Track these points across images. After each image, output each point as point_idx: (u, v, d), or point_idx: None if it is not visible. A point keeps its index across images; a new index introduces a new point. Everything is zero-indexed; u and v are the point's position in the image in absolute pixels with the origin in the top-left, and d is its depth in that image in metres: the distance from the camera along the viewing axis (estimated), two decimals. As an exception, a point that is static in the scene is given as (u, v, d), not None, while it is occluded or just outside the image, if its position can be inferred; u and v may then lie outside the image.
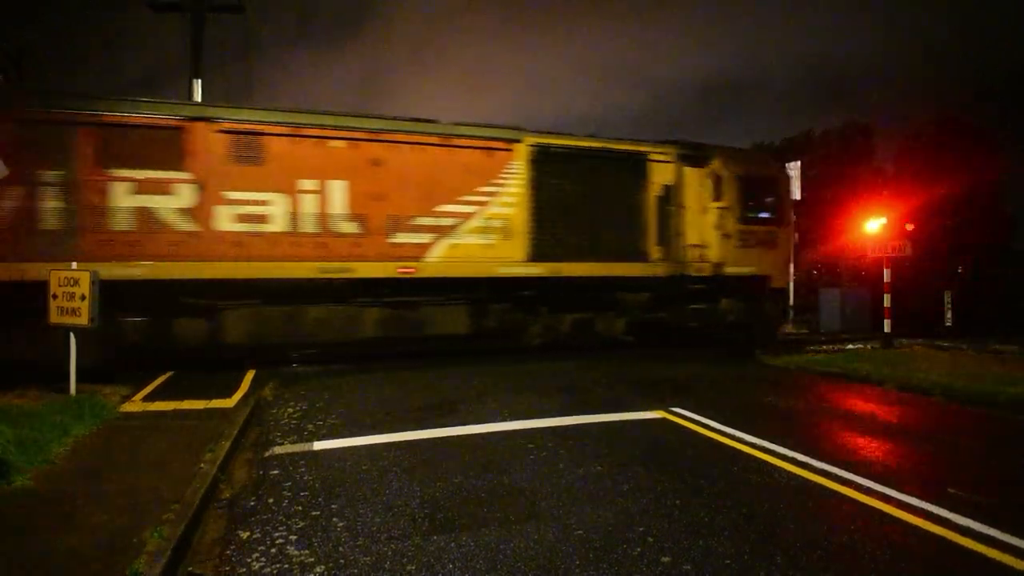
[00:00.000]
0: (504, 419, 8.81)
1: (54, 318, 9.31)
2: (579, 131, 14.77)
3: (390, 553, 4.81)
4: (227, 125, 12.66)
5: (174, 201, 12.19)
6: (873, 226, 17.66)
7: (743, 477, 6.56)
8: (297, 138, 13.14)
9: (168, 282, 12.04)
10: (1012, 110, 30.49)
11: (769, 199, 17.08)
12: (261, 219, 12.74)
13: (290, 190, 12.98)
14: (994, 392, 10.23)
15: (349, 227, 13.35)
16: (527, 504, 5.80)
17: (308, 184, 13.11)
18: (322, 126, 13.37)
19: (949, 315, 23.30)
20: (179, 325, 12.44)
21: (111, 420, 8.37)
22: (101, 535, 4.83)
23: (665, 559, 4.72)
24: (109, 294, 10.42)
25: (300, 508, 5.73)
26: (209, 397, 9.73)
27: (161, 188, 12.09)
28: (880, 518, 5.56)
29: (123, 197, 11.86)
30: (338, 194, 13.31)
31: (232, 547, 4.95)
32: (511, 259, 14.46)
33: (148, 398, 9.78)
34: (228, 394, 10.03)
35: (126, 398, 9.69)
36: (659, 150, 16.07)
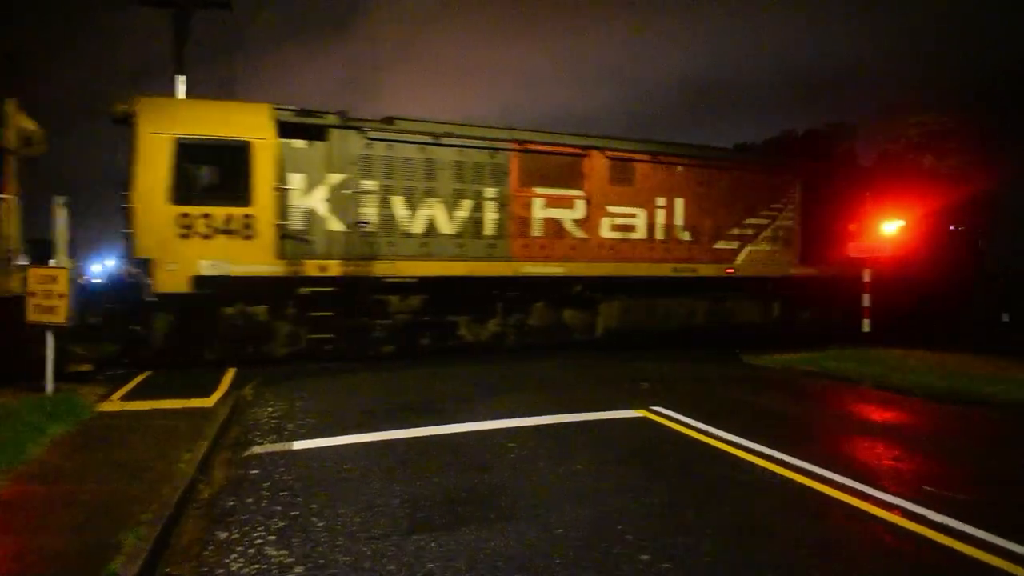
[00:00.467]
0: (485, 418, 8.80)
1: (31, 316, 9.22)
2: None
3: (370, 553, 4.79)
4: (610, 153, 16.16)
5: (572, 214, 15.76)
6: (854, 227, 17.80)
7: (723, 475, 6.59)
8: (654, 163, 16.71)
9: (568, 278, 15.63)
10: (993, 113, 30.79)
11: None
12: (629, 228, 16.37)
13: (648, 205, 16.61)
14: (970, 391, 10.35)
15: (685, 235, 17.01)
16: (507, 503, 5.80)
17: (660, 200, 16.77)
18: (670, 154, 16.98)
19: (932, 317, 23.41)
20: (567, 313, 15.99)
21: (88, 420, 8.29)
22: (78, 536, 4.78)
23: (644, 557, 4.72)
24: (529, 287, 15.21)
25: (279, 508, 5.70)
26: (188, 396, 9.65)
27: (564, 203, 15.67)
28: (859, 515, 5.60)
29: (539, 210, 15.42)
30: (679, 209, 16.94)
31: (210, 548, 4.91)
32: (790, 262, 18.23)
33: (126, 397, 9.69)
34: (207, 393, 9.95)
35: (103, 397, 9.60)
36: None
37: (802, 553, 4.82)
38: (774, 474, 6.63)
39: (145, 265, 12.01)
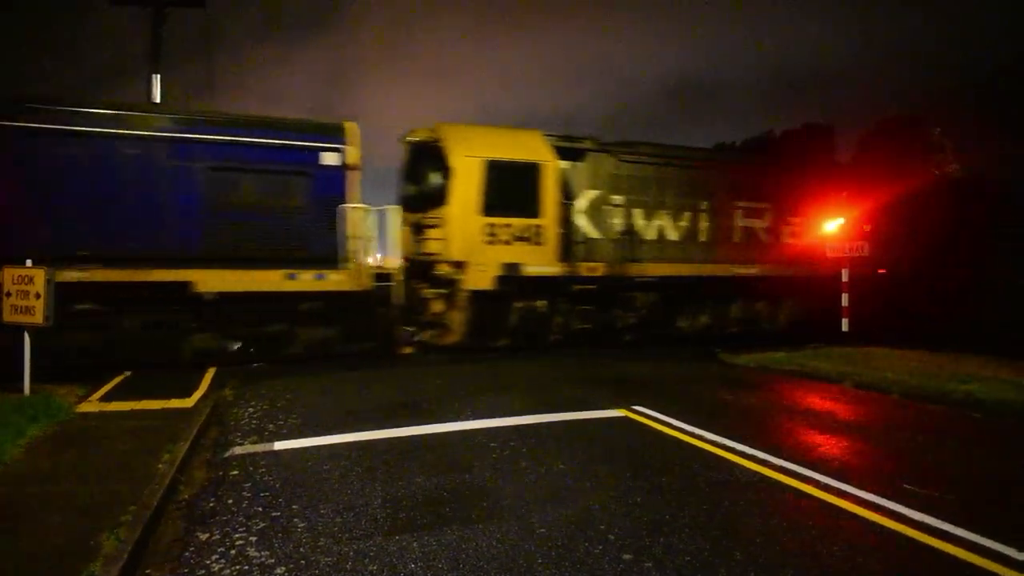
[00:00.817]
0: (467, 418, 8.80)
1: (7, 316, 9.11)
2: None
3: (352, 553, 4.78)
4: (790, 171, 19.36)
5: (760, 223, 18.42)
6: (831, 226, 17.90)
7: (703, 474, 6.63)
8: (820, 181, 19.29)
9: (762, 277, 18.08)
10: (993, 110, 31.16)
11: None
12: (801, 235, 18.79)
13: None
14: (948, 390, 10.45)
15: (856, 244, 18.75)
16: (489, 503, 5.81)
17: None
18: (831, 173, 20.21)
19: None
20: (759, 306, 18.56)
21: (67, 421, 8.21)
22: (56, 538, 4.74)
23: (627, 556, 4.75)
24: (733, 284, 17.80)
25: (260, 509, 5.68)
26: (167, 397, 9.58)
27: (756, 214, 18.30)
28: (838, 514, 5.65)
29: (738, 220, 18.06)
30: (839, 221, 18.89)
31: (191, 549, 4.88)
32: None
33: (105, 398, 9.61)
34: (187, 394, 9.89)
35: (82, 398, 9.51)
36: None
37: (782, 551, 4.86)
38: (754, 472, 6.68)
39: (459, 266, 14.52)
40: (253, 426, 8.45)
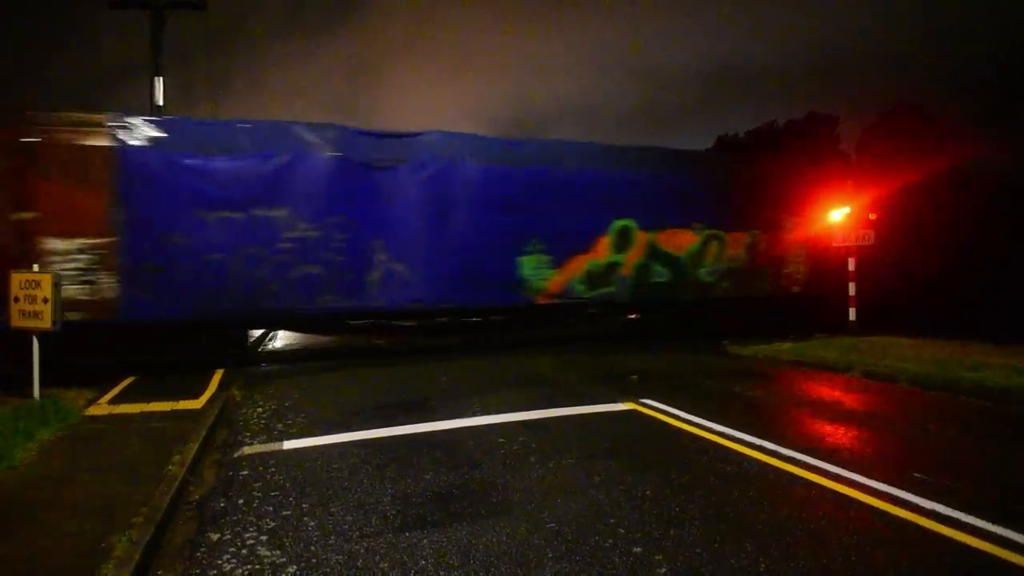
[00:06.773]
0: (474, 414, 8.81)
1: (15, 321, 9.13)
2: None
3: (362, 551, 4.79)
4: None
5: None
6: (837, 216, 17.81)
7: (712, 466, 6.62)
8: None
9: None
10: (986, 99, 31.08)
11: None
12: None
13: None
14: (956, 378, 10.41)
15: None
16: (499, 498, 5.81)
17: None
18: None
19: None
20: None
21: (76, 424, 8.24)
22: (68, 541, 4.76)
23: (637, 550, 4.75)
24: None
25: (271, 508, 5.69)
26: (176, 399, 9.61)
27: None
28: (848, 503, 5.64)
29: None
30: None
31: (202, 549, 4.90)
32: None
33: (114, 401, 9.64)
34: (196, 395, 9.91)
35: (91, 401, 9.54)
36: None
37: (792, 542, 4.86)
38: (763, 464, 6.67)
39: None
40: (262, 426, 8.47)
